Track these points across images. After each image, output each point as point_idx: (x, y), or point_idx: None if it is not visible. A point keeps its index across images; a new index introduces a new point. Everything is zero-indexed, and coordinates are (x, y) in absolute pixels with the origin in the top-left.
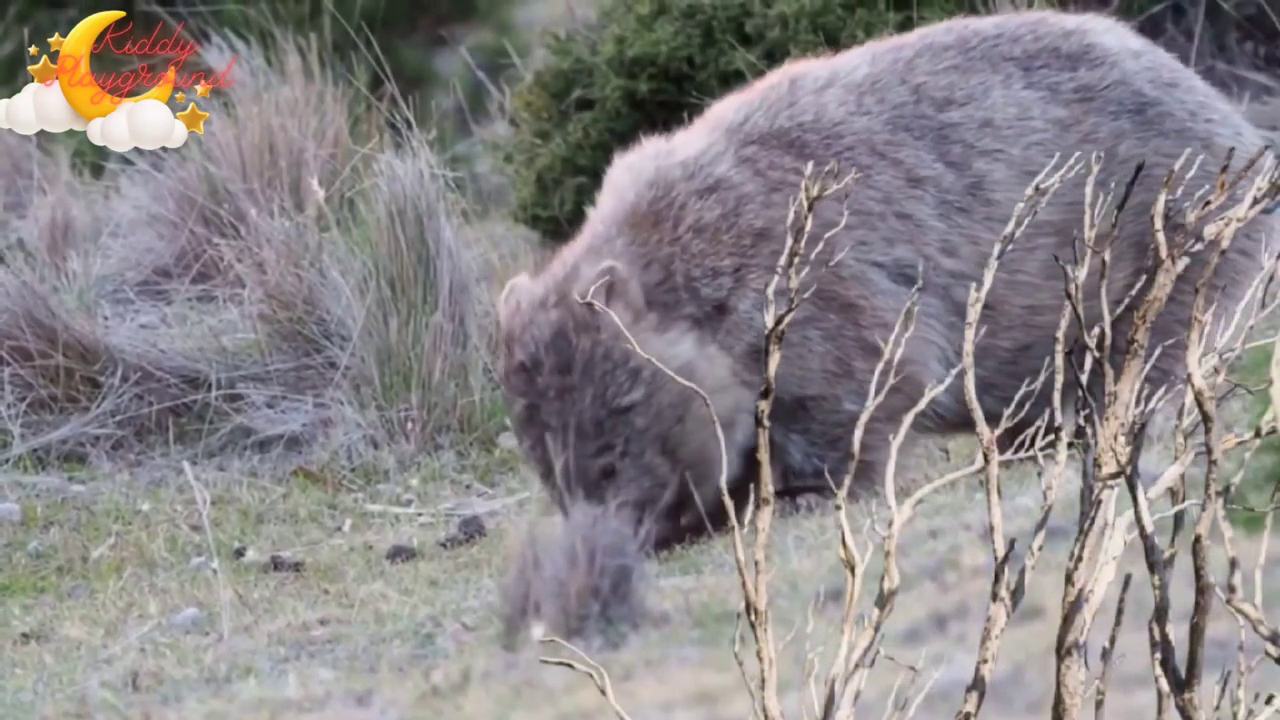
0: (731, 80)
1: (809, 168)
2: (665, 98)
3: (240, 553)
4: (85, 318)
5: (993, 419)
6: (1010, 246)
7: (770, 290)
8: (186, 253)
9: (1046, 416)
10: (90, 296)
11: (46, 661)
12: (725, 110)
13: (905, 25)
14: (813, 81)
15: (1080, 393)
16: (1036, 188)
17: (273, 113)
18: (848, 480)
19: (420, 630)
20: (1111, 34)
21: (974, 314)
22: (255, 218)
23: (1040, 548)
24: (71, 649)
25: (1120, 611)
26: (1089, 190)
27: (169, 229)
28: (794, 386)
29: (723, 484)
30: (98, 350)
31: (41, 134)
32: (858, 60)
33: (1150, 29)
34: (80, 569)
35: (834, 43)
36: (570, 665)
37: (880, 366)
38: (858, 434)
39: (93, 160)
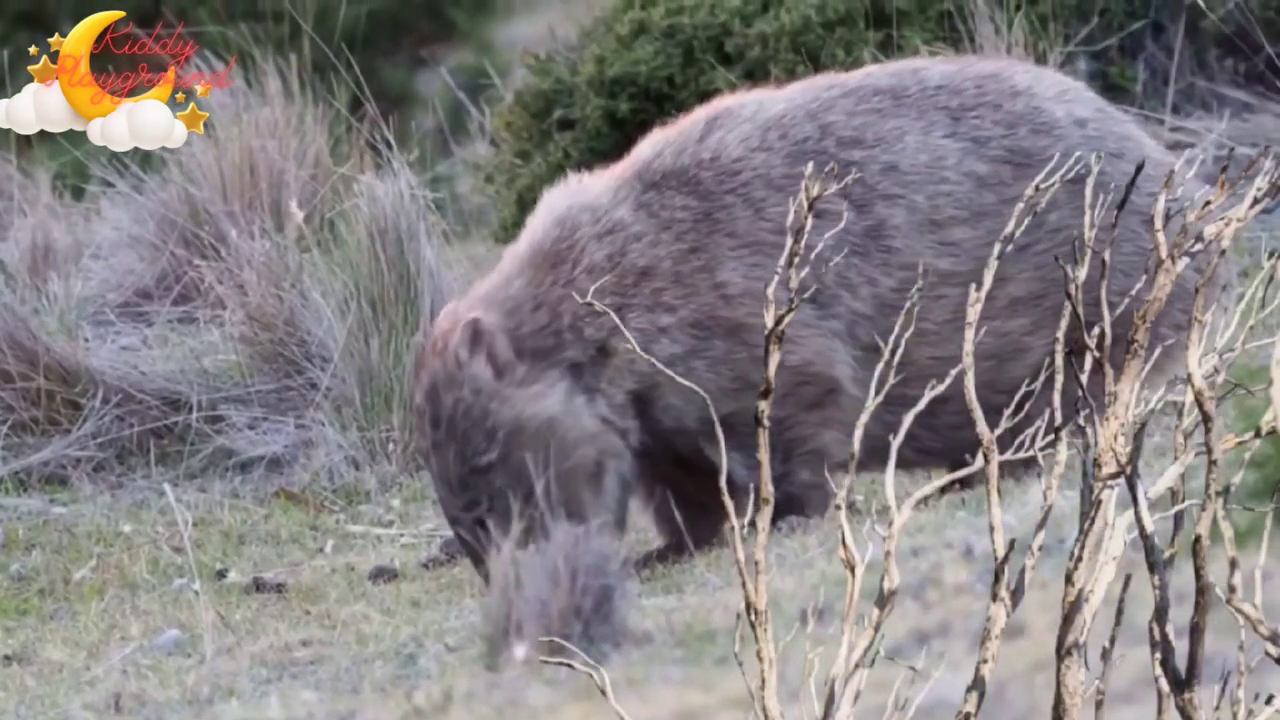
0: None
1: (697, 205)
2: (646, 117)
3: (222, 574)
4: (66, 340)
5: (907, 466)
6: (916, 299)
7: (770, 290)
8: (167, 274)
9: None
10: (71, 318)
11: (28, 684)
12: (645, 146)
13: (885, 44)
14: (732, 118)
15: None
16: (1037, 187)
17: (253, 134)
18: (847, 480)
19: (403, 651)
20: (1060, 101)
21: (973, 314)
22: (236, 239)
23: (1040, 547)
24: (54, 671)
25: (1120, 611)
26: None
27: (150, 251)
28: (699, 412)
29: (723, 484)
30: (79, 372)
31: (21, 155)
32: (785, 95)
33: (1130, 46)
34: (62, 591)
35: (814, 62)
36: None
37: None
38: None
39: (73, 182)
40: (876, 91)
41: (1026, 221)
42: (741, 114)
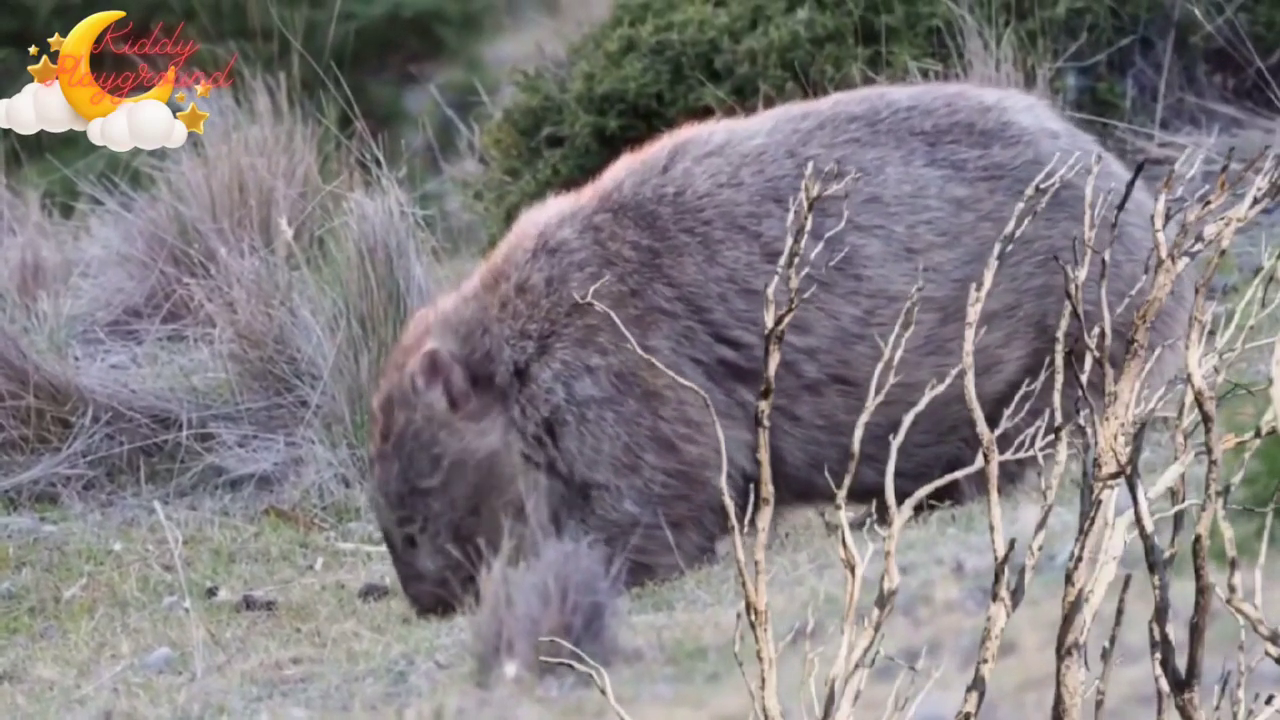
0: (701, 117)
1: (647, 244)
2: (635, 134)
3: (212, 592)
4: (56, 358)
5: (871, 492)
6: (882, 322)
7: (770, 290)
8: (157, 292)
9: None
10: (60, 337)
11: (19, 703)
12: (610, 173)
13: (874, 60)
14: (699, 148)
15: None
16: (1038, 187)
17: (242, 152)
18: (847, 480)
19: (393, 668)
20: (1030, 113)
21: (973, 314)
22: (225, 257)
23: (1040, 547)
24: (44, 690)
25: (1120, 611)
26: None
27: (139, 269)
28: (582, 468)
29: (723, 483)
30: (68, 391)
31: (11, 173)
32: (757, 128)
33: (1119, 62)
34: (52, 609)
35: (803, 78)
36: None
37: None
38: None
39: (62, 200)
40: (852, 119)
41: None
42: (710, 144)
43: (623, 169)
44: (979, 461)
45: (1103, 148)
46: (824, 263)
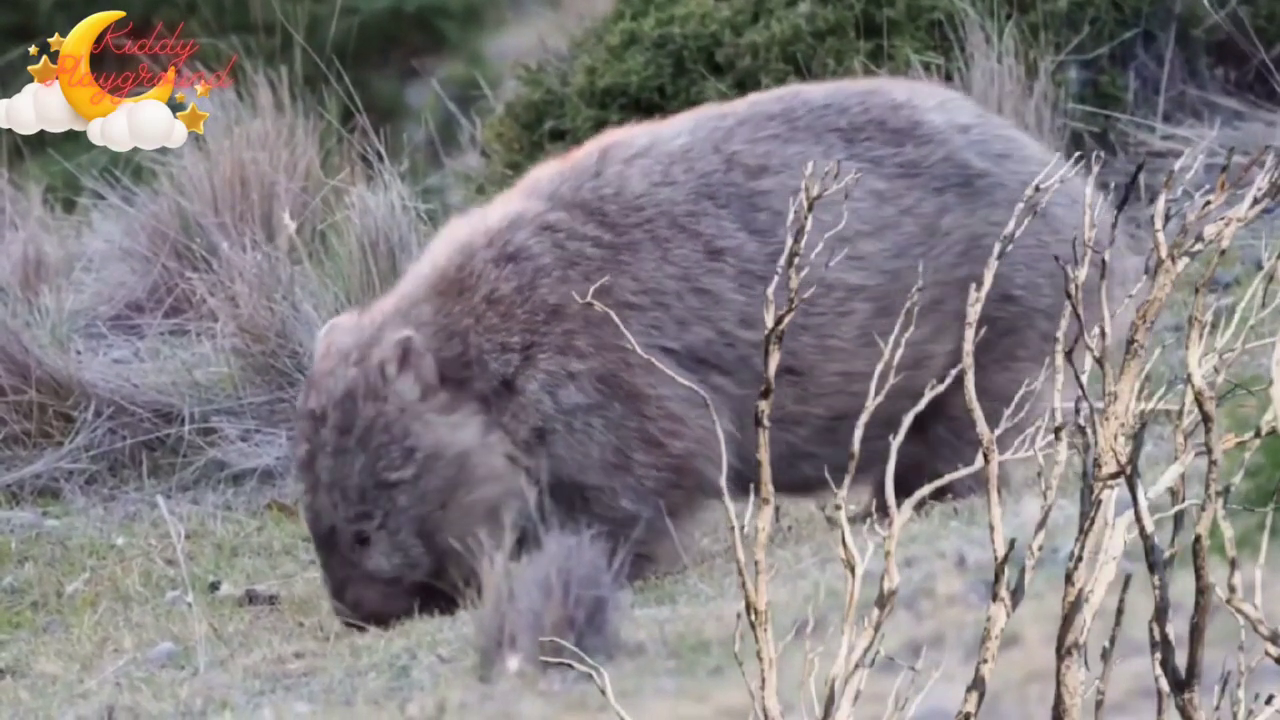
0: None
1: (607, 241)
2: None
3: (215, 586)
4: (58, 353)
5: (811, 487)
6: (823, 312)
7: (770, 290)
8: (159, 287)
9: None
10: (63, 331)
11: (22, 697)
12: (539, 178)
13: (875, 54)
14: (625, 150)
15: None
16: (1037, 187)
17: (244, 146)
18: (846, 480)
19: (396, 663)
20: (940, 110)
21: (973, 314)
22: (227, 251)
23: (1040, 547)
24: (47, 684)
25: (1120, 611)
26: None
27: (141, 263)
28: (574, 472)
29: (723, 483)
30: (71, 385)
31: (13, 168)
32: (679, 128)
33: (1122, 55)
34: (55, 604)
35: (805, 71)
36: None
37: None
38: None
39: (65, 195)
40: (770, 117)
41: (919, 229)
42: (634, 146)
43: (552, 174)
44: (979, 461)
45: (1103, 141)
46: (761, 257)
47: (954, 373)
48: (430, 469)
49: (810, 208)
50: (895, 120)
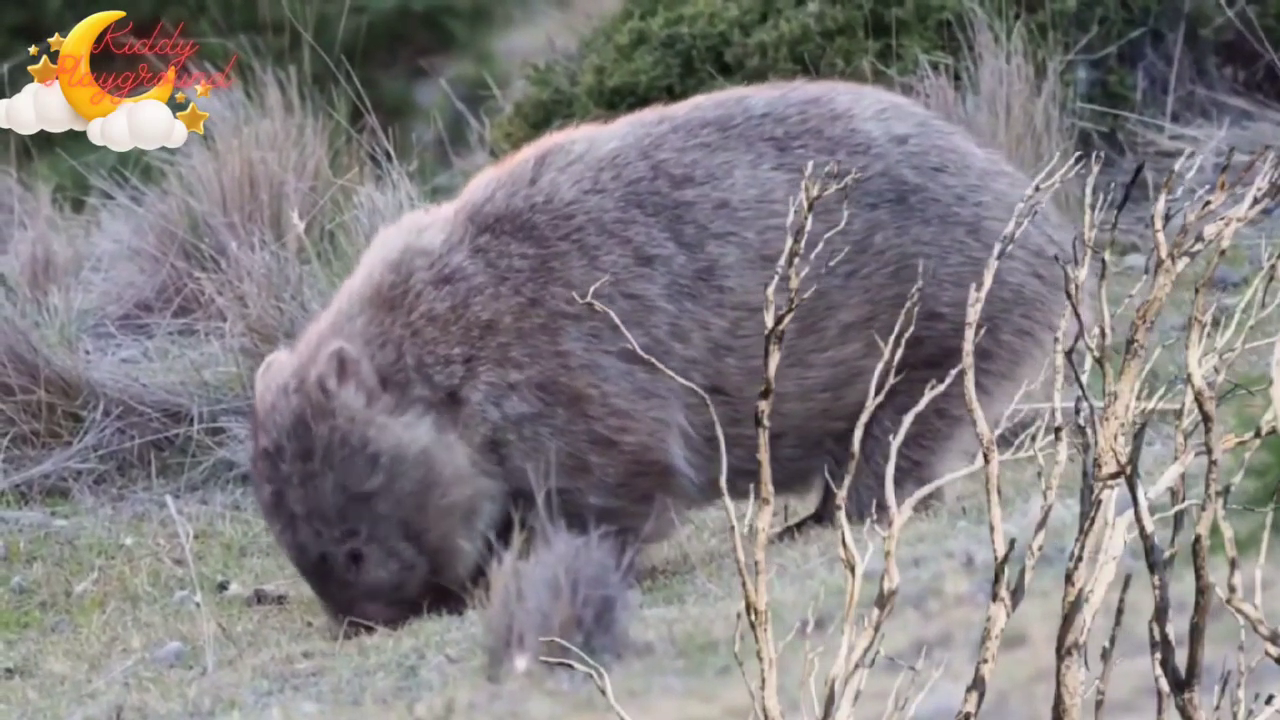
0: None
1: (534, 253)
2: None
3: (223, 586)
4: (67, 352)
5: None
6: (747, 334)
7: (770, 290)
8: (167, 286)
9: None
10: (71, 331)
11: (30, 697)
12: (475, 187)
13: (884, 53)
14: (563, 156)
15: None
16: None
17: (253, 146)
18: (847, 480)
19: (404, 662)
20: (879, 120)
21: (974, 314)
22: (236, 251)
23: (1040, 547)
24: (55, 684)
25: (1120, 611)
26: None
27: (150, 263)
28: (537, 478)
29: (723, 483)
30: (79, 385)
31: (22, 167)
32: (614, 132)
33: (1130, 54)
34: (63, 604)
35: (814, 71)
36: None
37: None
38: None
39: (73, 195)
40: (705, 124)
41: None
42: (572, 152)
43: (490, 181)
44: (979, 461)
45: (1111, 141)
46: (689, 271)
47: (884, 389)
48: (399, 472)
49: (810, 208)
50: (831, 129)
